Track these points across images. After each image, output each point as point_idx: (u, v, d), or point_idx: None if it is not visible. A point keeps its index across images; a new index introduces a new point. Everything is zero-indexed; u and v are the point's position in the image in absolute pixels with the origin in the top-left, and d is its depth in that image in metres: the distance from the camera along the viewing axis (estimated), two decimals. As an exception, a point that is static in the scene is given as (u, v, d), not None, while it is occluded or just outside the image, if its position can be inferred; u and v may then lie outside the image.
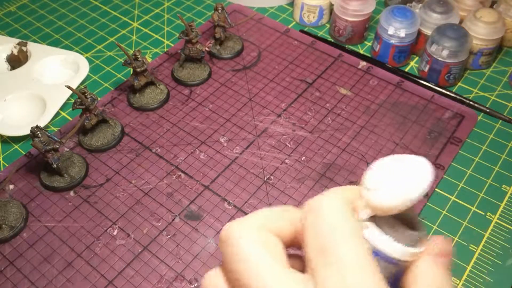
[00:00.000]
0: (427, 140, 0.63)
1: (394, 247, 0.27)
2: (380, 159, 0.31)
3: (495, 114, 0.66)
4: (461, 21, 0.72)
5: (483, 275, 0.51)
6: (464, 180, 0.59)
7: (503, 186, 0.59)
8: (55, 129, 0.65)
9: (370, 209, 0.28)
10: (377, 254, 0.29)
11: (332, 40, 0.77)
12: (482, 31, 0.69)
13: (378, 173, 0.32)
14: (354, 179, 0.59)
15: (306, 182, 0.59)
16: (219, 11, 0.71)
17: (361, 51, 0.76)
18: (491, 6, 0.75)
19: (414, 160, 0.32)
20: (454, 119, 0.65)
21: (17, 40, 0.74)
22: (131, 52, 0.74)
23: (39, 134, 0.54)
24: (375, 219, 0.28)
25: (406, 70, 0.73)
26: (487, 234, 0.54)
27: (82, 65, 0.71)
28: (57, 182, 0.58)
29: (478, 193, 0.58)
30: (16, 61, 0.73)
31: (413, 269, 0.25)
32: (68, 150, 0.61)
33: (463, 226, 0.55)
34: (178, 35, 0.70)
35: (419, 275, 0.24)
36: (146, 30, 0.80)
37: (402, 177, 0.30)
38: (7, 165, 0.61)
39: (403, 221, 0.31)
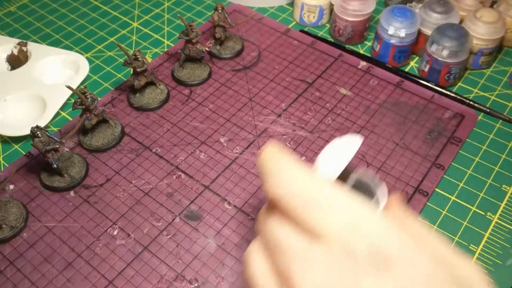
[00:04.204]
0: (427, 140, 0.63)
1: None
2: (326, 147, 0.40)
3: (495, 114, 0.66)
4: (461, 21, 0.72)
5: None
6: (464, 180, 0.59)
7: (503, 186, 0.59)
8: (55, 129, 0.65)
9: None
10: None
11: (332, 40, 0.77)
12: (482, 31, 0.69)
13: (322, 156, 0.40)
14: (354, 179, 0.59)
15: (306, 182, 0.59)
16: (219, 11, 0.71)
17: (361, 51, 0.76)
18: (491, 6, 0.75)
19: (347, 139, 0.40)
20: (454, 119, 0.65)
21: (17, 40, 0.74)
22: (131, 52, 0.74)
23: (39, 134, 0.54)
24: None
25: (406, 70, 0.73)
26: (487, 234, 0.54)
27: (82, 65, 0.71)
28: (57, 182, 0.58)
29: (478, 193, 0.58)
30: (16, 61, 0.73)
31: None
32: (68, 150, 0.61)
33: (463, 226, 0.55)
34: (178, 35, 0.70)
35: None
36: (146, 30, 0.80)
37: (337, 152, 0.40)
38: (7, 165, 0.61)
39: (364, 192, 0.39)
